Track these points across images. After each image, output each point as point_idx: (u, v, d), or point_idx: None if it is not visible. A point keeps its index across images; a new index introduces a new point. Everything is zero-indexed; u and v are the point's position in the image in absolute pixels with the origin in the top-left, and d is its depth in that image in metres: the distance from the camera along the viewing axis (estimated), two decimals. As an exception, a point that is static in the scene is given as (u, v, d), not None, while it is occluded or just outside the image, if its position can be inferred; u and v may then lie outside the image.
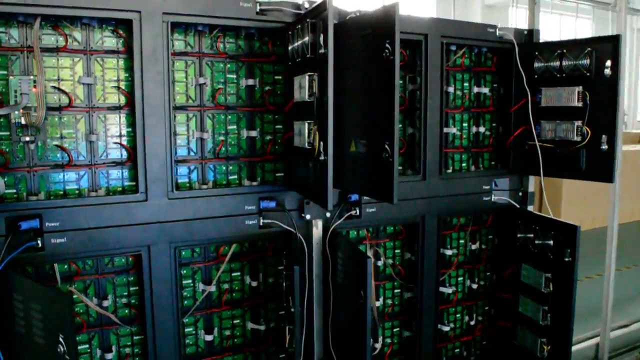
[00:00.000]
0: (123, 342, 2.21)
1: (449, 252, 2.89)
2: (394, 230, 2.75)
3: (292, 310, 2.18)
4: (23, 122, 1.88)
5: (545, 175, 2.76)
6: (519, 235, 2.80)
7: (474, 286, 2.99)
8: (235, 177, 2.32)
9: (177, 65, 2.17)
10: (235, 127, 2.30)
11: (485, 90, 2.89)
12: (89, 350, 2.15)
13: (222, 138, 2.28)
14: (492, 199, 2.84)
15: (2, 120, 1.91)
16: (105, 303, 2.13)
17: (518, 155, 2.87)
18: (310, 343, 2.38)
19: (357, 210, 2.46)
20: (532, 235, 2.72)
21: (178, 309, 2.16)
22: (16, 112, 1.87)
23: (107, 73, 2.06)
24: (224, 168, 2.30)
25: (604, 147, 2.49)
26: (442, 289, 2.88)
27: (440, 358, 2.92)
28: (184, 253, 2.27)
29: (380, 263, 2.71)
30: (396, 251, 2.78)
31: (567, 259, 2.49)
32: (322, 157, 1.90)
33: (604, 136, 2.50)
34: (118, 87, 2.07)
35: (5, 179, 1.92)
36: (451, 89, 2.80)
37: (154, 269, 2.09)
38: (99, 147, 2.07)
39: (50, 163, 2.01)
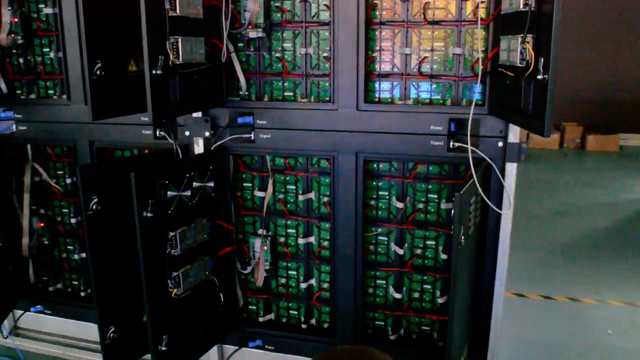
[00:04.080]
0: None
1: (399, 205, 2.56)
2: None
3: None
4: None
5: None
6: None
7: (444, 256, 2.55)
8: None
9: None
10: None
11: (464, -7, 2.27)
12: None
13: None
14: (452, 146, 2.31)
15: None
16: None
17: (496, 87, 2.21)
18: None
19: (252, 135, 2.54)
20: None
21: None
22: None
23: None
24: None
25: (540, 76, 1.74)
26: (394, 248, 2.62)
27: (393, 326, 2.70)
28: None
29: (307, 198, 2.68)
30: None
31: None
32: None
33: (541, 59, 1.74)
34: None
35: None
36: (411, -3, 2.34)
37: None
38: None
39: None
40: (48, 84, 2.93)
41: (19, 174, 3.06)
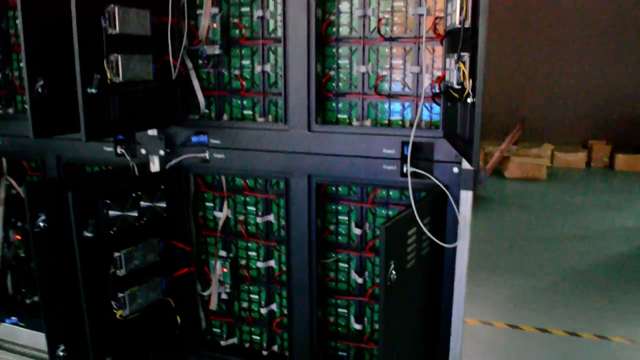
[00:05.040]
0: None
1: (357, 231, 2.41)
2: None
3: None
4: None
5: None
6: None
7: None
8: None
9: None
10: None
11: (423, 10, 2.11)
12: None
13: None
14: (405, 170, 2.16)
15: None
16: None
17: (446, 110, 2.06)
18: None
19: (207, 154, 2.44)
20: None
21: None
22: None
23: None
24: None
25: (470, 99, 1.58)
26: (354, 276, 2.47)
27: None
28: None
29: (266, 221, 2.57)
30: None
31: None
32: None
33: (470, 82, 1.57)
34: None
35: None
36: (369, 12, 2.19)
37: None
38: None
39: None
40: (25, 98, 2.94)
41: (-5, 186, 3.08)
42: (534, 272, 4.73)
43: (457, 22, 1.67)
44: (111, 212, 2.21)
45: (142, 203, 2.34)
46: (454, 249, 2.14)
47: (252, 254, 2.65)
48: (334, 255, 2.49)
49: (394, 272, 1.72)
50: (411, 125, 2.22)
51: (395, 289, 1.76)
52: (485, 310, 3.58)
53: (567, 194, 7.62)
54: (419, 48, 2.17)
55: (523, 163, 7.97)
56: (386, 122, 2.29)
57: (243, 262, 2.67)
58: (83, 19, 1.91)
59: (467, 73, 1.60)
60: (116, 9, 1.99)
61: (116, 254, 2.24)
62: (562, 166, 9.20)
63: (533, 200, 7.19)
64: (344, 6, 2.25)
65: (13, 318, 3.18)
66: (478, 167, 2.00)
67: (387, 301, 1.72)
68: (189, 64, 2.45)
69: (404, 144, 2.14)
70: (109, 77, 2.03)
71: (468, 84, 1.59)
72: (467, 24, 1.62)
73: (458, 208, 2.08)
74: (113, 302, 2.27)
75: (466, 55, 1.63)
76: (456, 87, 1.69)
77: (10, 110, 2.96)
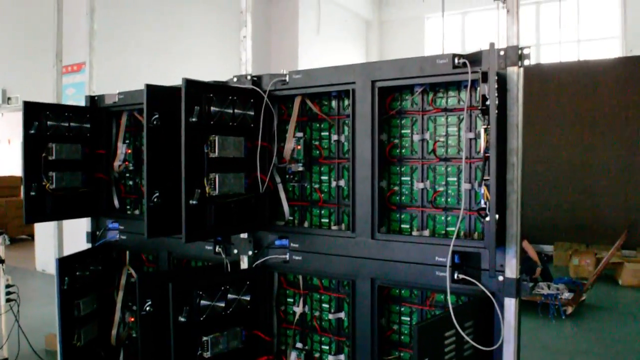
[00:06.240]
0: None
1: (416, 332, 2.64)
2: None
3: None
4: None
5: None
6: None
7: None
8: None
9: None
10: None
11: (472, 135, 2.46)
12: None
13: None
14: (457, 277, 2.40)
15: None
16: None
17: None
18: None
19: (287, 255, 2.88)
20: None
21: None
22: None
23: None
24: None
25: (488, 218, 1.88)
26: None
27: None
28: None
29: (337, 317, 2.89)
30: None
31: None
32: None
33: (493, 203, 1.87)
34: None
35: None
36: (427, 136, 2.61)
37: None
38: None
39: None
40: (147, 202, 3.64)
41: (120, 274, 3.74)
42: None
43: (482, 151, 2.01)
44: (202, 302, 2.68)
45: (230, 295, 2.79)
46: (502, 353, 2.31)
47: (325, 347, 2.97)
48: (396, 353, 2.74)
49: (428, 370, 1.97)
50: (465, 235, 2.52)
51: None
52: None
53: None
54: (470, 167, 2.51)
55: (639, 270, 7.53)
56: (443, 232, 2.60)
57: (317, 354, 2.99)
58: (190, 147, 2.50)
59: (488, 195, 1.91)
60: (217, 138, 2.57)
61: (204, 338, 2.68)
62: None
63: (649, 311, 6.71)
64: (406, 131, 2.68)
65: (120, 392, 3.72)
66: (520, 277, 2.23)
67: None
68: (277, 179, 2.97)
69: (454, 253, 2.43)
70: (207, 191, 2.57)
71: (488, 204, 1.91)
72: (487, 154, 1.96)
73: (502, 314, 2.29)
74: (199, 381, 2.69)
75: (489, 180, 1.95)
76: (482, 205, 1.99)
77: (137, 212, 3.66)
